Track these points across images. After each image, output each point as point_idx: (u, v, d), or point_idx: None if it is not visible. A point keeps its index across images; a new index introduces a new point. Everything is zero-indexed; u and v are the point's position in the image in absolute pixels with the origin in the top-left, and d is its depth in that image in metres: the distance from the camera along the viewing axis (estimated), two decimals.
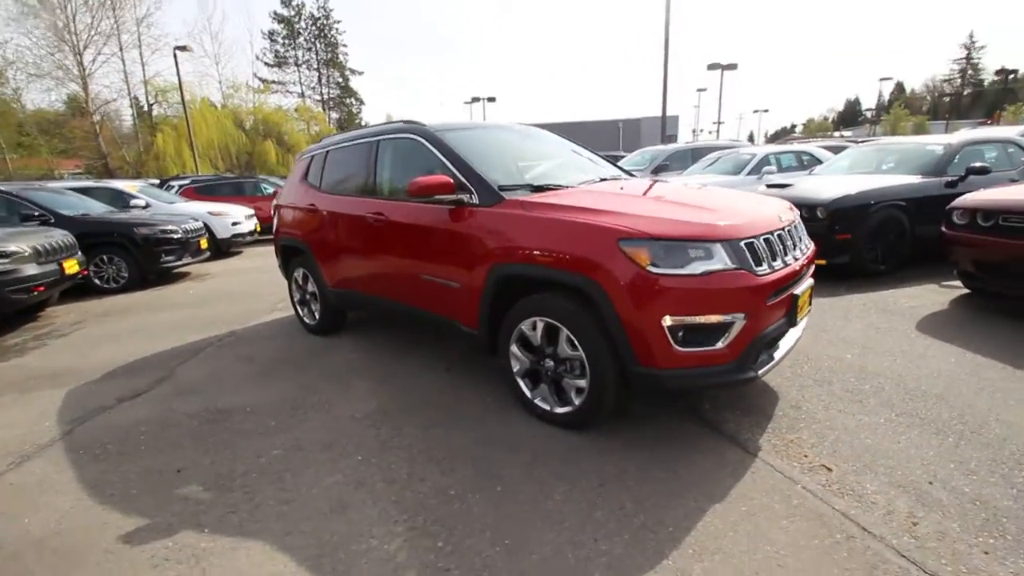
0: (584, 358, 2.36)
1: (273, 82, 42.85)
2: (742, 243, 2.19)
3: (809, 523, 1.87)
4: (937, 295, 4.48)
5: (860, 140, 11.95)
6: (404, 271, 3.26)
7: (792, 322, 2.41)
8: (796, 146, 10.52)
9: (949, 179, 5.24)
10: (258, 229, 10.81)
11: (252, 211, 10.74)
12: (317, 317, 4.29)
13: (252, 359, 3.93)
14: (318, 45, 47.74)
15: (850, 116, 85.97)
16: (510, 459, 2.36)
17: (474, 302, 2.78)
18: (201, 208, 9.86)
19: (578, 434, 2.51)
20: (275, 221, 4.63)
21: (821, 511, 1.92)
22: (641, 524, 1.90)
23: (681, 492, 2.06)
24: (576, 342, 2.37)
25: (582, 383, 2.42)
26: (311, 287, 4.27)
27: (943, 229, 4.21)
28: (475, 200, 2.76)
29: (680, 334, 2.13)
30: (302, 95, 45.89)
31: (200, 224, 8.09)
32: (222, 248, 9.69)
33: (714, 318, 2.12)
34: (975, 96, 74.62)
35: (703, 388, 2.50)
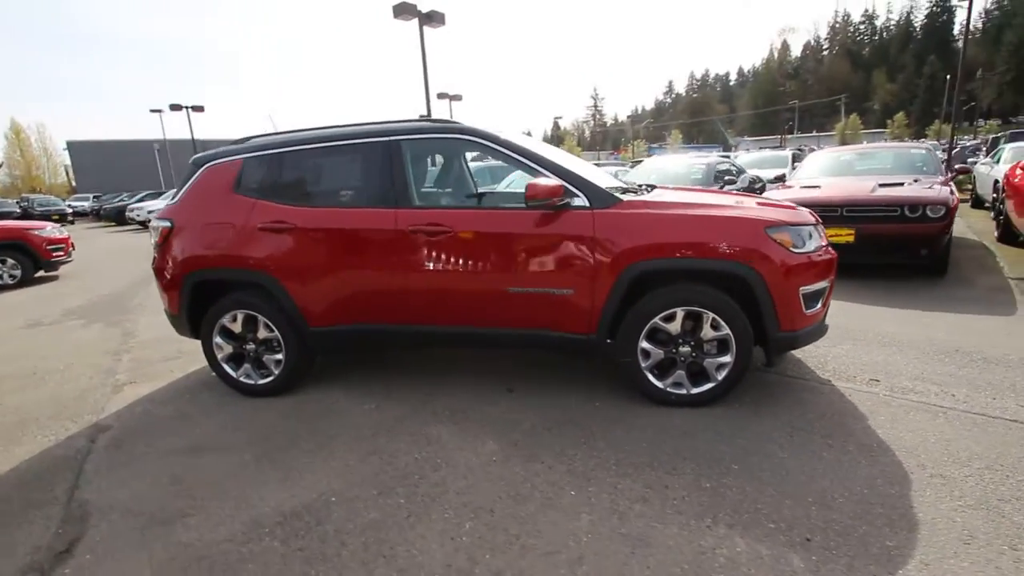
0: (731, 336, 2.67)
1: None
2: (819, 227, 2.88)
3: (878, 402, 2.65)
4: None
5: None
6: (477, 287, 2.87)
7: None
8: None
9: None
10: None
11: None
12: (278, 371, 3.22)
13: (269, 459, 2.73)
14: None
15: None
16: (699, 447, 2.49)
17: (596, 305, 2.73)
18: None
19: (710, 413, 2.79)
20: (167, 250, 3.23)
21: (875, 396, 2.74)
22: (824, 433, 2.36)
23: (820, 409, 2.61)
24: (723, 323, 2.66)
25: (725, 359, 2.71)
26: (265, 333, 3.18)
27: None
28: (585, 203, 2.73)
29: (806, 300, 2.68)
30: None
31: None
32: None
33: (821, 284, 2.75)
34: (604, 134, 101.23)
35: (814, 340, 2.94)
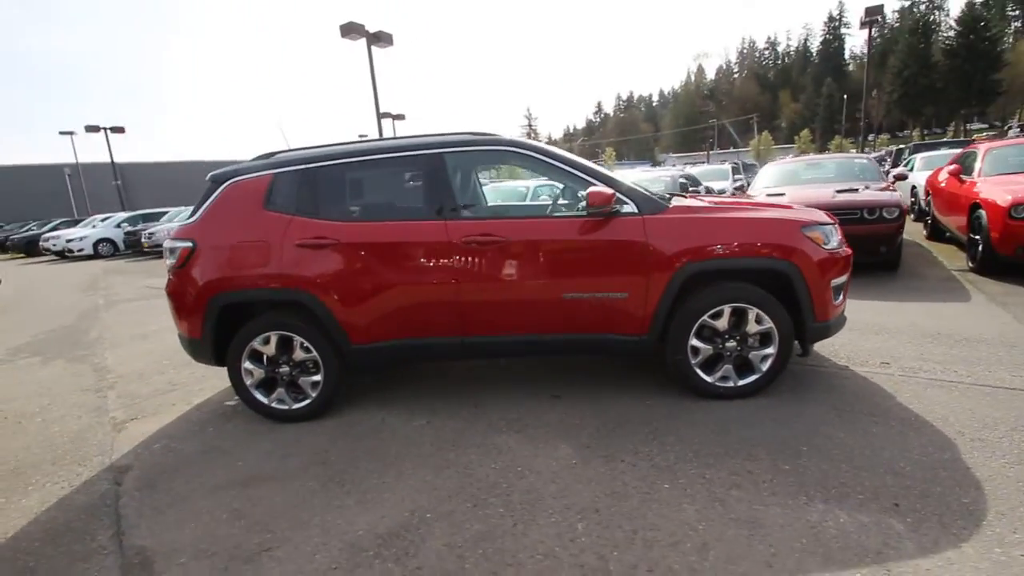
0: (774, 329, 2.86)
1: None
2: (837, 227, 3.17)
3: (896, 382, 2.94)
4: None
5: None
6: (532, 295, 2.90)
7: None
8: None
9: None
10: None
11: None
12: (316, 393, 3.07)
13: (337, 483, 2.57)
14: None
15: None
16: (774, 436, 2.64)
17: (649, 306, 2.84)
18: None
19: (759, 404, 2.96)
20: (188, 271, 3.02)
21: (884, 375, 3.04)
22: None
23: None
24: (766, 317, 2.85)
25: (769, 351, 2.90)
26: (302, 354, 3.04)
27: None
28: (633, 209, 2.85)
29: (834, 292, 2.93)
30: None
31: None
32: None
33: (844, 278, 3.01)
34: None
35: (839, 330, 3.15)
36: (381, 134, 17.80)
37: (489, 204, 3.83)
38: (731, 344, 2.92)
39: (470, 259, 2.86)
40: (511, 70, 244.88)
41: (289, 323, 2.99)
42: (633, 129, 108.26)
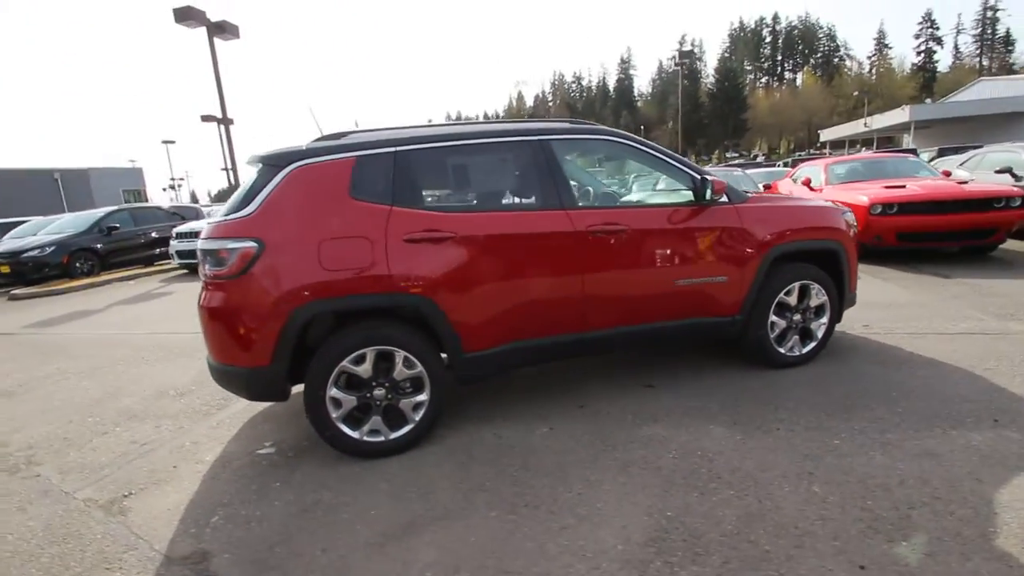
0: (827, 301, 3.33)
1: None
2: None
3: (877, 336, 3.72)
4: None
5: None
6: (650, 284, 2.90)
7: None
8: None
9: None
10: None
11: None
12: (420, 416, 2.61)
13: (528, 511, 2.12)
14: None
15: None
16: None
17: (744, 288, 3.08)
18: None
19: (819, 368, 3.40)
20: (255, 280, 2.32)
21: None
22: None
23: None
24: (824, 291, 3.31)
25: (823, 320, 3.36)
26: (405, 372, 2.55)
27: None
28: (726, 199, 3.06)
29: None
30: None
31: None
32: None
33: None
34: None
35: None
36: (227, 143, 15.49)
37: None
38: (796, 317, 3.31)
39: (596, 249, 2.76)
40: (342, 81, 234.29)
41: (392, 335, 2.49)
42: None
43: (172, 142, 39.62)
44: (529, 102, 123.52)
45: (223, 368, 2.47)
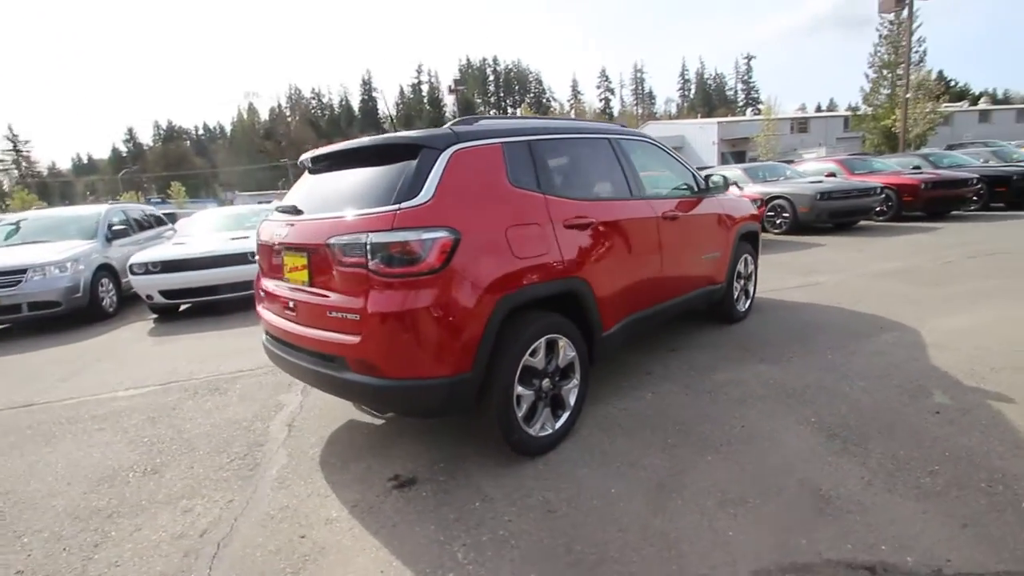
0: (755, 267, 4.54)
1: None
2: None
3: (834, 285, 5.31)
4: None
5: None
6: (691, 260, 3.54)
7: None
8: None
9: None
10: None
11: None
12: (573, 403, 2.62)
13: (675, 489, 2.27)
14: None
15: None
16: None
17: (726, 259, 3.99)
18: None
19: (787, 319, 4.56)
20: (454, 275, 2.01)
21: None
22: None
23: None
24: (752, 260, 4.48)
25: (751, 285, 4.54)
26: (567, 355, 2.54)
27: None
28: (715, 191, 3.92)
29: None
30: None
31: None
32: None
33: None
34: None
35: None
36: None
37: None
38: (742, 281, 4.41)
39: (666, 231, 3.24)
40: None
41: (560, 322, 2.48)
42: (184, 163, 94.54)
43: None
44: (264, 115, 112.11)
45: (409, 385, 2.05)
